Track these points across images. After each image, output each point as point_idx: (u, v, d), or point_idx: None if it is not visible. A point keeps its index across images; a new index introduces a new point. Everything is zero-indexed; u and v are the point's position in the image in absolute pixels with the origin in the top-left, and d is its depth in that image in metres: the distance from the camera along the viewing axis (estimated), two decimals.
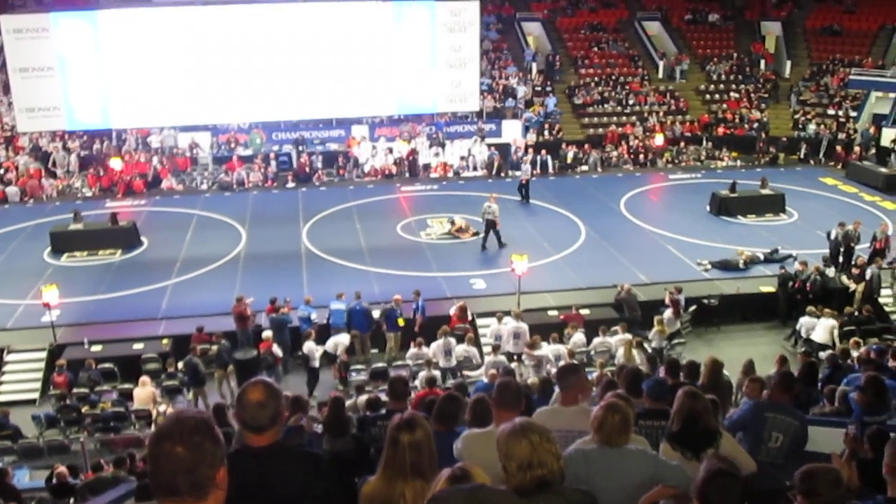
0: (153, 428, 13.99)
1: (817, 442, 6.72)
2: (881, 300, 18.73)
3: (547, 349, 15.48)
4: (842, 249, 20.13)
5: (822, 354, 15.16)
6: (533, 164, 29.87)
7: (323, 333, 16.65)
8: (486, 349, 16.34)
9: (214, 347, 16.08)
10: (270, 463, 3.31)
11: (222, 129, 30.40)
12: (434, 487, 2.39)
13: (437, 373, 14.48)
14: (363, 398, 11.24)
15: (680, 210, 25.85)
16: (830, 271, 18.99)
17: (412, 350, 16.26)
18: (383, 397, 9.85)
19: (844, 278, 19.44)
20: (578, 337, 16.33)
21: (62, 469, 10.66)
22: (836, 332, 16.27)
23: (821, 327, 16.48)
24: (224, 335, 16.52)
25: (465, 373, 15.65)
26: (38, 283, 19.04)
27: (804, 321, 17.13)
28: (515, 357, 16.16)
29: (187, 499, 2.31)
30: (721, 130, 33.33)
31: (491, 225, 21.99)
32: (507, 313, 17.33)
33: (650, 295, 18.75)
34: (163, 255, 21.94)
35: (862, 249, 20.36)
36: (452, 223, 23.58)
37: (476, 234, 22.98)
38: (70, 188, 28.06)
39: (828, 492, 4.03)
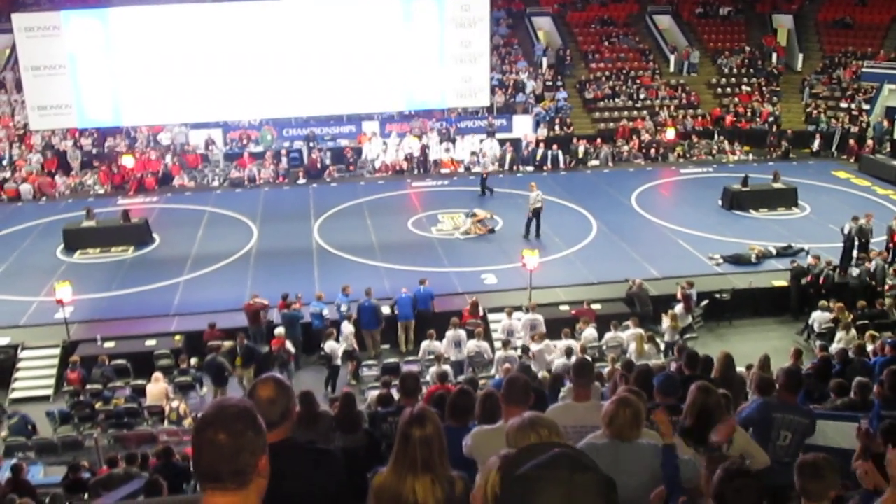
0: (165, 424, 14.10)
1: (828, 436, 6.70)
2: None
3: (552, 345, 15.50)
4: (856, 244, 19.98)
5: (833, 348, 15.12)
6: (544, 158, 29.90)
7: (339, 330, 16.71)
8: (497, 344, 16.31)
9: (227, 343, 16.14)
10: (281, 459, 3.31)
11: (233, 126, 30.49)
12: (485, 481, 2.34)
13: (447, 368, 14.50)
14: (374, 394, 11.28)
15: (691, 204, 25.75)
16: (855, 271, 18.86)
17: (425, 343, 16.33)
18: (395, 393, 9.88)
19: (852, 271, 19.35)
20: (590, 332, 16.30)
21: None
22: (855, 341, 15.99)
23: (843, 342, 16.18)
24: (237, 331, 16.62)
25: (480, 375, 15.61)
26: (51, 280, 19.15)
27: (816, 315, 17.06)
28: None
29: (229, 486, 2.33)
30: (728, 120, 33.14)
31: (537, 213, 22.06)
32: (518, 308, 17.36)
33: (662, 290, 18.69)
34: (175, 252, 22.03)
35: (876, 242, 20.27)
36: (474, 215, 23.53)
37: (492, 230, 22.97)
38: (82, 185, 28.19)
39: (825, 479, 4.03)
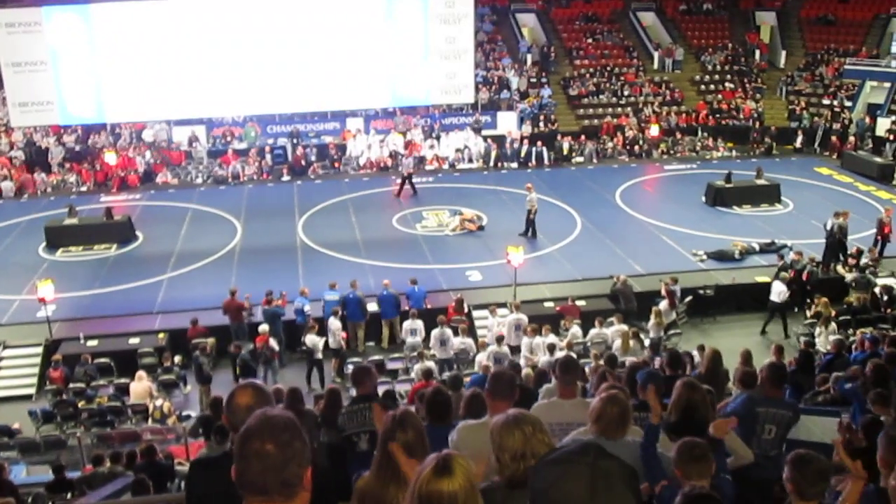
0: (149, 422, 14.03)
1: (812, 431, 6.74)
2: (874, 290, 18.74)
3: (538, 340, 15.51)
4: (838, 239, 20.07)
5: (820, 341, 15.25)
6: (528, 155, 29.92)
7: (323, 325, 16.68)
8: (487, 341, 16.23)
9: (210, 340, 16.09)
10: None
11: (217, 123, 30.35)
12: (415, 481, 2.39)
13: (431, 364, 14.53)
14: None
15: (675, 201, 25.85)
16: (852, 275, 19.00)
17: (406, 322, 16.61)
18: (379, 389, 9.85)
19: (840, 268, 19.49)
20: (576, 330, 16.33)
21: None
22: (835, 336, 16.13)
23: (774, 289, 17.43)
24: (221, 329, 16.58)
25: (465, 371, 15.62)
26: (33, 278, 19.01)
27: (774, 286, 17.81)
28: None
29: (276, 498, 2.29)
30: (702, 115, 33.25)
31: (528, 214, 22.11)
32: (502, 305, 17.37)
33: (646, 286, 18.75)
34: (158, 250, 21.91)
35: (866, 238, 20.43)
36: (460, 214, 23.47)
37: (481, 227, 22.97)
38: (64, 183, 27.99)
39: (815, 480, 4.04)
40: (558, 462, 2.03)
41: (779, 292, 17.66)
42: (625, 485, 1.99)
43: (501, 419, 3.12)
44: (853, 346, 12.82)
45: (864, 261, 19.18)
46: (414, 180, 26.73)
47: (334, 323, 16.46)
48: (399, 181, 26.48)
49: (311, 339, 15.99)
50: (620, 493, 1.97)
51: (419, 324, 16.45)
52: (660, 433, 4.52)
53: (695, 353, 13.18)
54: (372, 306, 17.68)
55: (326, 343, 16.27)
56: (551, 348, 14.58)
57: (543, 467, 2.06)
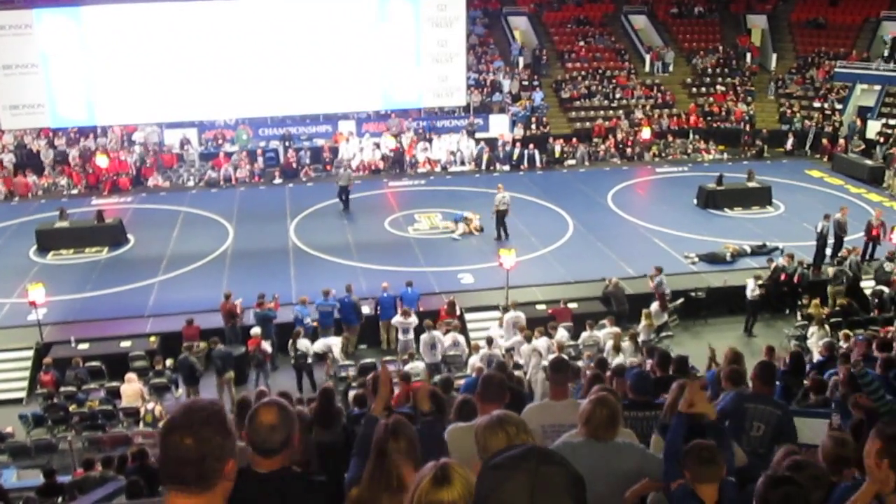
0: (141, 426, 13.98)
1: (801, 432, 6.75)
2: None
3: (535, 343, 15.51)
4: (831, 241, 20.14)
5: (811, 342, 15.26)
6: (520, 158, 29.95)
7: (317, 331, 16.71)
8: (482, 343, 16.20)
9: (202, 344, 16.06)
10: (276, 490, 3.17)
11: (208, 126, 30.28)
12: (413, 491, 2.39)
13: (420, 364, 14.60)
14: (352, 394, 11.25)
15: (667, 203, 25.89)
16: (845, 275, 19.08)
17: (397, 318, 16.66)
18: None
19: (830, 270, 19.55)
20: (562, 333, 16.30)
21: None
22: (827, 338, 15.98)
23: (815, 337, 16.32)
24: (212, 332, 16.52)
25: (456, 375, 15.59)
26: (23, 281, 18.90)
27: (749, 282, 18.20)
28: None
29: (194, 489, 2.33)
30: (692, 119, 33.36)
31: (503, 214, 22.06)
32: (494, 307, 17.40)
33: (638, 288, 18.78)
34: (149, 253, 21.85)
35: (854, 241, 20.52)
36: (465, 219, 23.26)
37: (481, 229, 22.97)
38: (56, 186, 27.89)
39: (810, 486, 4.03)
40: (500, 467, 2.00)
41: (751, 290, 18.00)
42: (566, 493, 1.96)
43: (486, 420, 3.12)
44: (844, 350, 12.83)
45: (851, 258, 19.20)
46: (407, 183, 26.65)
47: (335, 340, 16.48)
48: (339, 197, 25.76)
49: (325, 343, 16.07)
50: (561, 501, 1.94)
51: (413, 320, 16.48)
52: (684, 429, 4.43)
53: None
54: (365, 309, 17.71)
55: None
56: (539, 354, 14.59)
57: (486, 472, 2.03)
